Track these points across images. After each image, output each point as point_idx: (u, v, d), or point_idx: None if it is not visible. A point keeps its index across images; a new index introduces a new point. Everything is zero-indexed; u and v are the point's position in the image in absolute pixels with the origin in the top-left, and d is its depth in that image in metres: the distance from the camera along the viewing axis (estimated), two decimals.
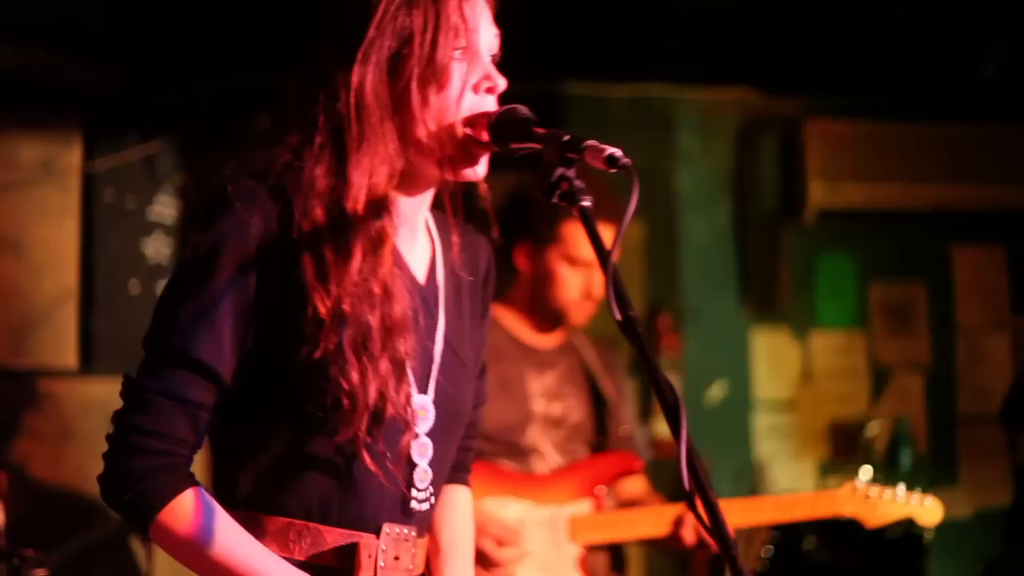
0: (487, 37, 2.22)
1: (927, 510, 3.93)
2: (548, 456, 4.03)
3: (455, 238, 2.40)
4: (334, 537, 2.18)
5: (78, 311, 5.71)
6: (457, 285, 2.41)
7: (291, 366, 2.11)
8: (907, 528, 4.17)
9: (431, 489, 2.30)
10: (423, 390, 2.27)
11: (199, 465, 2.18)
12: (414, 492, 2.26)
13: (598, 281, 4.00)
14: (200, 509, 2.08)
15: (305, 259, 2.10)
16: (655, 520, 3.95)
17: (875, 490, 3.93)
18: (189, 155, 5.87)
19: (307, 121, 2.17)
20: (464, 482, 2.61)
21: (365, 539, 2.20)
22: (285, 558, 2.14)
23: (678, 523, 3.90)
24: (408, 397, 2.20)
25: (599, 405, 4.19)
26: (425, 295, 2.31)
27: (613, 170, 1.91)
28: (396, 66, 2.14)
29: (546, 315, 4.06)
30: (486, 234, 2.51)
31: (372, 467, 2.15)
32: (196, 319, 2.09)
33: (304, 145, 2.16)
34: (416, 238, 2.34)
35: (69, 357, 5.68)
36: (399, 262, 2.23)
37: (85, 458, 5.60)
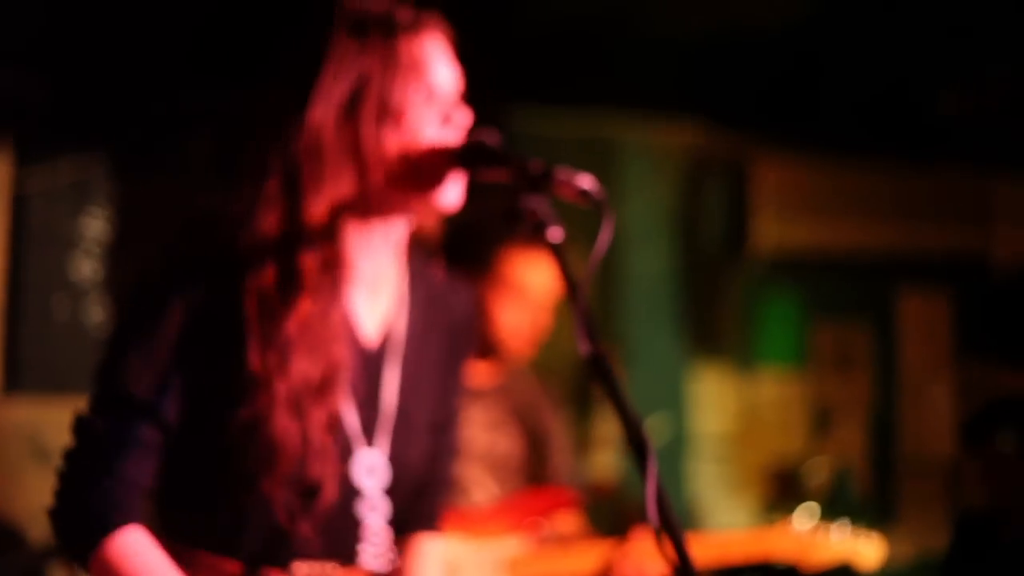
0: (444, 73, 2.21)
1: (867, 550, 3.86)
2: (484, 489, 3.98)
3: (427, 286, 2.40)
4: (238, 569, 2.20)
5: (3, 331, 5.61)
6: (425, 335, 2.39)
7: (224, 418, 2.12)
8: (846, 568, 4.11)
9: (388, 548, 2.30)
10: (372, 444, 2.26)
11: None
12: (367, 548, 2.26)
13: (538, 314, 3.97)
14: (141, 549, 2.11)
15: (248, 314, 2.11)
16: (589, 557, 3.88)
17: (812, 529, 3.86)
18: (122, 175, 5.79)
19: (261, 167, 2.15)
20: (434, 529, 2.57)
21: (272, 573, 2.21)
22: None
23: (612, 561, 3.84)
24: (342, 453, 2.20)
25: (536, 438, 4.14)
26: (376, 347, 2.30)
27: (585, 203, 1.92)
28: (351, 109, 2.13)
29: (483, 347, 4.01)
30: (471, 287, 2.56)
31: (302, 528, 2.17)
32: (145, 363, 2.11)
33: (257, 194, 2.14)
34: (377, 288, 2.31)
35: None
36: (349, 316, 2.23)
37: (6, 482, 5.51)
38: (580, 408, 5.78)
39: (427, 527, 2.54)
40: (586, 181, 1.93)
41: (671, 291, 6.52)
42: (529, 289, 3.97)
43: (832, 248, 6.57)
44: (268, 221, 2.12)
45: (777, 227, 6.41)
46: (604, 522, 4.52)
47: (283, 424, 2.10)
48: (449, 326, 2.45)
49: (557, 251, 1.95)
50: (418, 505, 2.45)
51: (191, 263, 2.13)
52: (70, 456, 2.14)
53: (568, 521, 4.19)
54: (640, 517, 5.61)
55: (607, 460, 6.13)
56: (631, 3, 5.24)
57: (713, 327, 6.52)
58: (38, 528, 5.25)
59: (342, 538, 2.24)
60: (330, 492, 2.19)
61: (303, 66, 2.16)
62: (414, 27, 2.19)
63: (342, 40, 2.15)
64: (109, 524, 2.09)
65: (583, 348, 1.86)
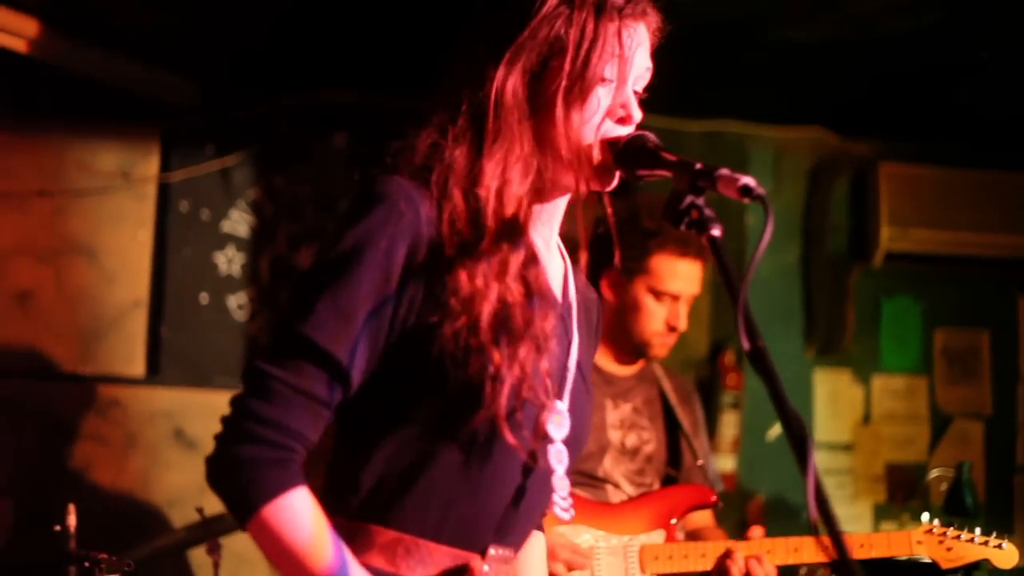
0: (639, 68, 2.21)
1: (1004, 553, 3.89)
2: (622, 486, 4.03)
3: (583, 261, 2.40)
4: (441, 556, 2.15)
5: (148, 320, 5.76)
6: (585, 308, 2.43)
7: (432, 351, 2.08)
8: (965, 571, 4.13)
9: (571, 499, 2.27)
10: (560, 397, 2.25)
11: None
12: (558, 499, 2.24)
13: (682, 315, 4.04)
14: (305, 512, 2.02)
15: (447, 238, 2.09)
16: (711, 555, 3.91)
17: (952, 531, 3.90)
18: (264, 170, 5.90)
19: (453, 105, 2.18)
20: (539, 526, 2.54)
21: (472, 561, 2.18)
22: (391, 573, 2.12)
23: (723, 558, 3.82)
24: (547, 378, 2.17)
25: (674, 436, 4.20)
26: (561, 310, 2.31)
27: (747, 200, 1.89)
28: (542, 73, 2.15)
29: (628, 346, 4.08)
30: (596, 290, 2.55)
31: (511, 440, 2.11)
32: (333, 312, 2.05)
33: (448, 125, 2.17)
34: (551, 254, 2.34)
35: (137, 365, 5.72)
36: (540, 268, 2.22)
37: (149, 465, 5.65)
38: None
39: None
40: (748, 179, 1.89)
41: (795, 294, 6.50)
42: (675, 288, 4.04)
43: (952, 254, 6.51)
44: (455, 154, 2.13)
45: (898, 233, 6.37)
46: (723, 519, 4.54)
47: (493, 348, 2.07)
48: (588, 319, 2.46)
49: (718, 249, 1.93)
50: None
51: (391, 208, 2.08)
52: (239, 403, 2.05)
53: (696, 518, 4.24)
54: (759, 517, 5.63)
55: (727, 463, 6.15)
56: (756, 9, 5.28)
57: (836, 332, 6.48)
58: (180, 513, 5.40)
59: (541, 487, 2.22)
60: (536, 438, 2.17)
61: (509, 17, 2.16)
62: (625, 11, 2.17)
63: (552, 4, 2.15)
64: (271, 486, 2.00)
65: (744, 345, 1.82)
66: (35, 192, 5.66)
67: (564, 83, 2.13)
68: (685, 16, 5.19)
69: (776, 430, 6.30)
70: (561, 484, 2.24)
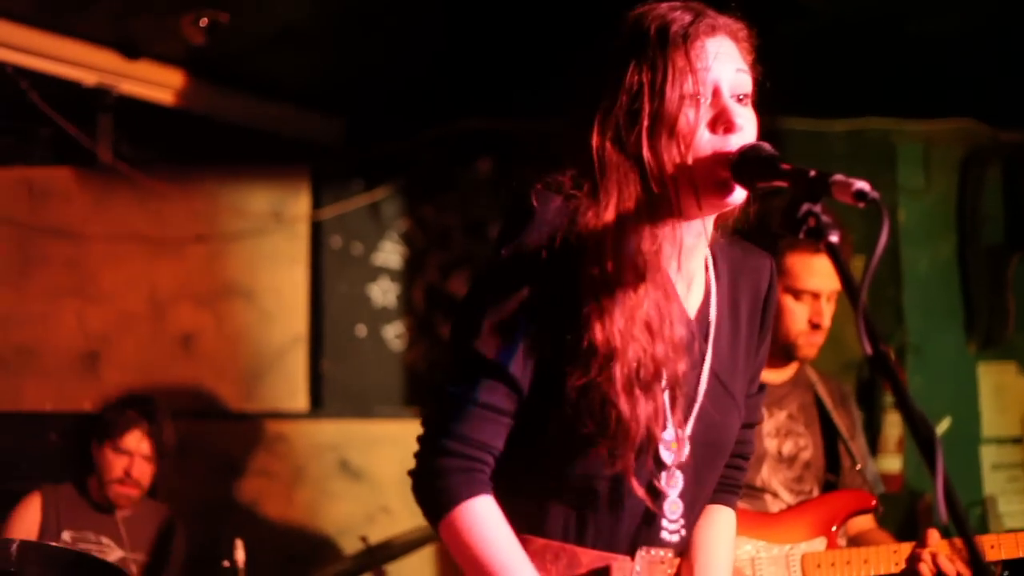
0: (726, 75, 2.21)
1: None
2: (780, 495, 4.01)
3: (729, 261, 2.43)
4: (589, 559, 2.26)
5: (308, 355, 5.88)
6: (735, 315, 2.43)
7: (564, 389, 2.16)
8: None
9: (683, 520, 2.32)
10: (680, 424, 2.29)
11: None
12: (665, 523, 2.30)
13: (825, 312, 4.00)
14: (489, 518, 2.18)
15: (583, 286, 2.16)
16: (889, 558, 3.87)
17: None
18: (413, 201, 5.99)
19: (571, 165, 2.23)
20: (728, 503, 2.59)
21: (619, 561, 2.26)
22: None
23: (912, 561, 3.81)
24: (668, 427, 2.24)
25: (831, 441, 4.15)
26: (695, 329, 2.33)
27: (862, 204, 1.89)
28: (631, 121, 2.18)
29: (776, 348, 4.04)
30: (769, 254, 2.56)
31: (640, 493, 2.21)
32: (498, 328, 2.19)
33: (569, 178, 2.22)
34: (692, 271, 2.36)
35: (300, 400, 5.84)
36: (671, 294, 2.26)
37: (316, 497, 5.75)
38: (865, 411, 5.73)
39: (724, 497, 2.56)
40: (862, 184, 1.88)
41: (953, 288, 6.39)
42: (813, 286, 4.01)
43: None
44: (581, 210, 2.18)
45: None
46: (892, 520, 4.49)
47: (622, 400, 2.13)
48: (754, 293, 2.48)
49: (836, 255, 1.92)
50: (719, 474, 2.47)
51: (542, 226, 2.18)
52: (426, 422, 2.24)
53: (858, 522, 4.19)
54: (929, 517, 5.52)
55: (893, 464, 6.08)
56: (888, 6, 5.23)
57: (998, 324, 6.36)
58: (349, 542, 5.49)
59: (649, 511, 2.27)
60: (651, 462, 2.23)
61: (591, 85, 2.22)
62: (690, 33, 2.19)
63: (620, 57, 2.19)
64: (458, 492, 2.17)
65: (866, 349, 1.83)
66: (192, 238, 5.82)
67: (646, 122, 2.16)
68: (818, 18, 5.22)
69: (943, 426, 6.21)
70: (672, 508, 2.30)
